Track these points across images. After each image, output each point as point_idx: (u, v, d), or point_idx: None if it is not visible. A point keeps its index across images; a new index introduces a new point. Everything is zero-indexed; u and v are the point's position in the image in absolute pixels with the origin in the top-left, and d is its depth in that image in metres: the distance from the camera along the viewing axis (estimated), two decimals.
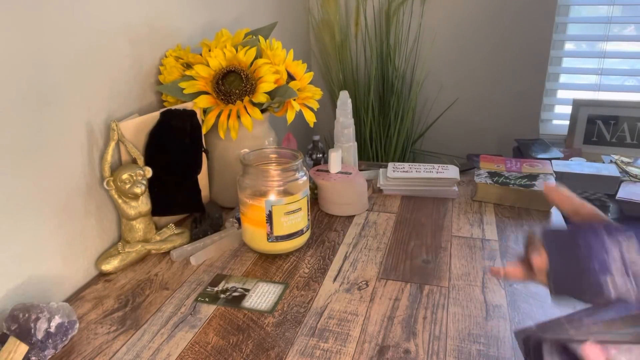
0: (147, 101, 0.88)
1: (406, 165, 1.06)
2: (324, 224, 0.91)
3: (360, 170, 1.05)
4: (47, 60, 0.65)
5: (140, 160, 0.80)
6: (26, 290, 0.65)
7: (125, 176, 0.75)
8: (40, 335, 0.57)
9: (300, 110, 0.92)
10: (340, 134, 1.02)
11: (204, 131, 0.89)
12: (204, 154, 0.90)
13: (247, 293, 0.70)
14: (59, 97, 0.68)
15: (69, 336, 0.60)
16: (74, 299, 0.70)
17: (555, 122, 1.78)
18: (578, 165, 1.36)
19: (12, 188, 0.62)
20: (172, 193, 0.85)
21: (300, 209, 0.77)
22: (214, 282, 0.73)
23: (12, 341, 0.54)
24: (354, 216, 0.93)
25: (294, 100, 0.90)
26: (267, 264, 0.78)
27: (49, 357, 0.58)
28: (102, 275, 0.75)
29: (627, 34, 1.66)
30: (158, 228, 0.83)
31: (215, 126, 0.89)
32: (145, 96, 0.87)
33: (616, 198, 1.26)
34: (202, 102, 0.86)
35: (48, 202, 0.68)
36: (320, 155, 1.11)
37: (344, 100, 1.02)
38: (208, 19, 1.07)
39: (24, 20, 0.61)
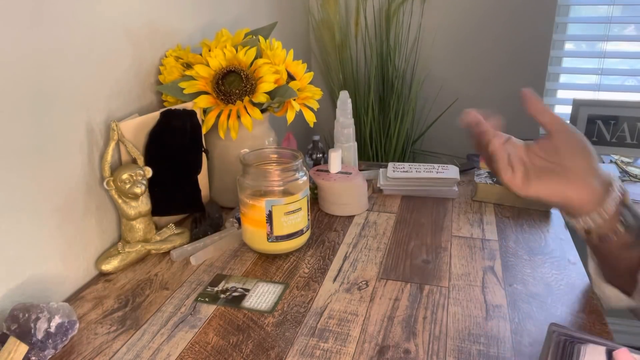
0: (147, 101, 0.88)
1: (406, 165, 1.06)
2: (324, 224, 0.91)
3: (360, 170, 1.05)
4: (47, 60, 0.65)
5: (140, 160, 0.80)
6: (26, 290, 0.65)
7: (125, 176, 0.75)
8: (40, 335, 0.57)
9: (300, 110, 0.92)
10: (340, 134, 1.02)
11: (204, 131, 0.89)
12: (204, 154, 0.90)
13: (247, 293, 0.70)
14: (59, 97, 0.68)
15: (69, 336, 0.60)
16: (74, 299, 0.70)
17: None
18: None
19: (12, 188, 0.62)
20: (172, 193, 0.85)
21: (300, 209, 0.77)
22: (214, 282, 0.73)
23: (12, 341, 0.54)
24: (354, 216, 0.93)
25: (294, 100, 0.90)
26: (267, 264, 0.78)
27: (49, 357, 0.58)
28: (102, 275, 0.75)
29: (627, 34, 1.66)
30: (158, 228, 0.83)
31: (215, 126, 0.89)
32: (145, 96, 0.87)
33: None
34: (202, 102, 0.86)
35: (48, 202, 0.68)
36: (320, 155, 1.11)
37: (344, 100, 1.02)
38: (208, 19, 1.07)
39: (23, 20, 0.61)
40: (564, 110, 1.73)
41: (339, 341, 0.60)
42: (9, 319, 0.57)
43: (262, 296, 0.69)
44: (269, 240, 0.77)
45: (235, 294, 0.70)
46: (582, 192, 0.56)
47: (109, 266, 0.75)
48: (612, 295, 0.63)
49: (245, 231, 0.80)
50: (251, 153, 0.81)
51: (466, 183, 1.07)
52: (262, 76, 0.87)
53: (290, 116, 0.90)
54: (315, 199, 0.97)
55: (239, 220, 0.85)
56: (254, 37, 0.94)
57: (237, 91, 0.87)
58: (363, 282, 0.72)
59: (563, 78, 1.74)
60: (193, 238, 0.84)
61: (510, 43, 1.69)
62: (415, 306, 0.66)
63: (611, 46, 1.64)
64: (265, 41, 0.92)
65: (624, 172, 1.36)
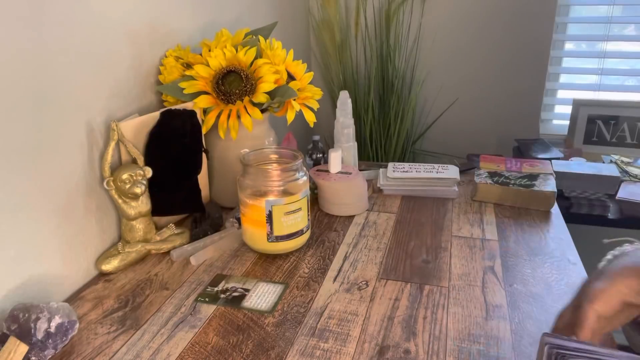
0: (147, 101, 0.88)
1: (406, 165, 1.06)
2: (324, 224, 0.91)
3: (360, 170, 1.05)
4: (47, 60, 0.65)
5: (140, 160, 0.80)
6: (26, 290, 0.65)
7: (125, 176, 0.75)
8: (40, 335, 0.57)
9: (300, 110, 0.92)
10: (340, 134, 1.02)
11: (204, 131, 0.89)
12: (204, 154, 0.90)
13: (247, 293, 0.70)
14: (59, 97, 0.68)
15: (69, 336, 0.60)
16: (74, 299, 0.70)
17: (555, 122, 1.78)
18: (578, 165, 1.36)
19: (12, 188, 0.62)
20: (172, 193, 0.85)
21: (300, 209, 0.77)
22: (214, 282, 0.73)
23: (12, 341, 0.54)
24: (354, 216, 0.93)
25: (294, 100, 0.90)
26: (267, 264, 0.78)
27: (49, 357, 0.58)
28: (102, 275, 0.75)
29: (627, 34, 1.66)
30: (158, 228, 0.83)
31: (215, 126, 0.89)
32: (145, 96, 0.87)
33: (616, 198, 1.26)
34: (202, 102, 0.86)
35: (48, 201, 0.68)
36: (320, 155, 1.11)
37: (344, 100, 1.02)
38: (208, 19, 1.07)
39: (23, 20, 0.61)
40: (564, 110, 1.73)
41: (339, 341, 0.60)
42: (9, 319, 0.57)
43: (262, 296, 0.69)
44: (269, 240, 0.77)
45: (235, 294, 0.70)
46: None
47: (109, 266, 0.75)
48: None
49: (245, 231, 0.80)
50: (251, 153, 0.81)
51: (466, 183, 1.07)
52: (262, 76, 0.87)
53: (290, 116, 0.90)
54: (315, 199, 0.97)
55: (239, 220, 0.85)
56: (254, 37, 0.94)
57: (237, 91, 0.87)
58: (363, 282, 0.72)
59: (563, 78, 1.74)
60: (193, 238, 0.84)
61: (511, 43, 1.69)
62: (415, 306, 0.66)
63: (611, 46, 1.64)
64: (265, 41, 0.92)
65: (624, 172, 1.36)
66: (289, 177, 0.77)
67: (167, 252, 0.81)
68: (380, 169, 1.08)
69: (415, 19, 1.73)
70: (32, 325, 0.57)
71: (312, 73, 0.95)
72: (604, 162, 1.43)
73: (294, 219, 0.77)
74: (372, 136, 1.79)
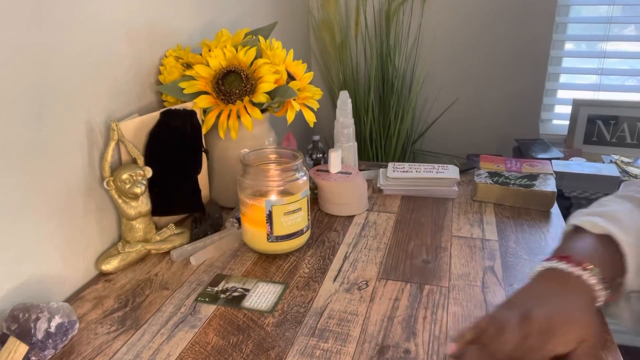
0: (147, 101, 0.88)
1: (406, 165, 1.06)
2: (324, 224, 0.91)
3: (360, 170, 1.05)
4: (47, 60, 0.65)
5: (140, 160, 0.80)
6: (26, 290, 0.65)
7: (125, 176, 0.75)
8: (40, 335, 0.57)
9: (300, 110, 0.92)
10: (340, 134, 1.02)
11: (204, 131, 0.89)
12: (204, 154, 0.90)
13: (247, 293, 0.70)
14: (59, 97, 0.68)
15: (69, 336, 0.60)
16: (74, 299, 0.70)
17: (555, 122, 1.78)
18: (578, 165, 1.36)
19: (11, 188, 0.62)
20: (172, 193, 0.85)
21: (300, 209, 0.77)
22: (214, 282, 0.73)
23: (12, 341, 0.54)
24: (354, 216, 0.93)
25: (294, 100, 0.90)
26: (267, 264, 0.78)
27: (49, 357, 0.58)
28: (102, 275, 0.75)
29: (627, 34, 1.66)
30: (158, 228, 0.83)
31: (215, 126, 0.89)
32: (145, 96, 0.87)
33: None
34: (202, 102, 0.86)
35: (48, 202, 0.68)
36: (320, 155, 1.11)
37: (344, 100, 1.02)
38: (208, 19, 1.07)
39: (23, 20, 0.61)
40: (564, 110, 1.73)
41: (339, 341, 0.60)
42: (9, 319, 0.57)
43: (262, 296, 0.69)
44: (269, 240, 0.77)
45: (235, 294, 0.70)
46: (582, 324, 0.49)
47: (109, 266, 0.75)
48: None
49: (245, 231, 0.80)
50: (251, 153, 0.81)
51: (466, 183, 1.07)
52: (262, 76, 0.87)
53: (290, 116, 0.90)
54: (315, 199, 0.97)
55: (239, 220, 0.85)
56: (254, 37, 0.94)
57: (237, 91, 0.87)
58: (363, 282, 0.72)
59: (563, 78, 1.74)
60: (193, 238, 0.84)
61: (511, 43, 1.69)
62: (415, 306, 0.66)
63: (611, 46, 1.64)
64: (265, 41, 0.92)
65: (624, 172, 1.36)
66: (289, 177, 0.77)
67: (167, 252, 0.81)
68: (380, 169, 1.08)
69: (415, 19, 1.73)
70: (32, 325, 0.57)
71: (312, 73, 0.95)
72: (604, 162, 1.43)
73: (294, 219, 0.77)
74: (372, 136, 1.79)
